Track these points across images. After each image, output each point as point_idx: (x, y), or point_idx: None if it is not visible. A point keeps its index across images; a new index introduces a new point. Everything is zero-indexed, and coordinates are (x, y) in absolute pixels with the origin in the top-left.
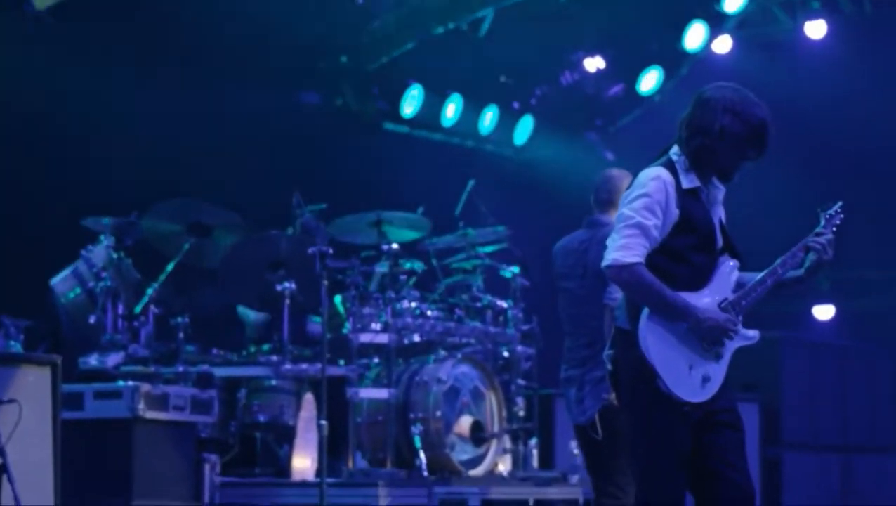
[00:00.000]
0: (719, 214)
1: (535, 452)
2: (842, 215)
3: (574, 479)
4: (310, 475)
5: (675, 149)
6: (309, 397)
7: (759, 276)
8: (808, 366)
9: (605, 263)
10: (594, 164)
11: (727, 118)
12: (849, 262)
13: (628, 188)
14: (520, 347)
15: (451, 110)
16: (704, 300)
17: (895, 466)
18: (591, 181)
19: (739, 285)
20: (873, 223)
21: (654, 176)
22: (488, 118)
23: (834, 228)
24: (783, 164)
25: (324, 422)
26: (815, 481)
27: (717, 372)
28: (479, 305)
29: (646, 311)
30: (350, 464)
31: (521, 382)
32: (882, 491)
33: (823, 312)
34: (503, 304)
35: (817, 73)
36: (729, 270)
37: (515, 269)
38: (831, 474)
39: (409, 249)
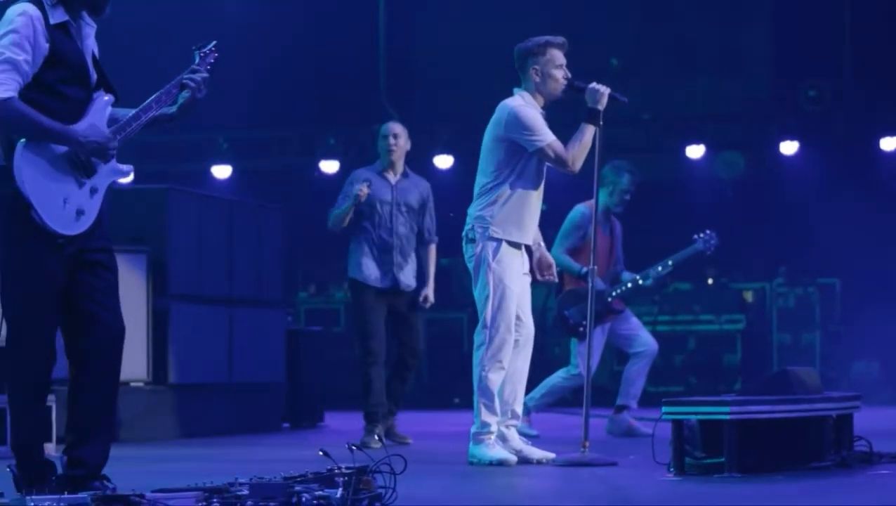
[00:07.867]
0: (91, 48)
1: None
2: (216, 53)
3: None
4: None
5: None
6: None
7: (134, 111)
8: (196, 219)
9: None
10: None
11: None
12: (246, 122)
13: None
14: None
15: None
16: None
17: (277, 318)
18: None
19: (113, 121)
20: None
21: (20, 12)
22: None
23: (209, 66)
24: None
25: None
26: (202, 332)
27: (92, 206)
28: None
29: (20, 145)
30: None
31: None
32: (264, 342)
33: (221, 171)
34: None
35: None
36: (103, 105)
37: None
38: (218, 325)
39: None
